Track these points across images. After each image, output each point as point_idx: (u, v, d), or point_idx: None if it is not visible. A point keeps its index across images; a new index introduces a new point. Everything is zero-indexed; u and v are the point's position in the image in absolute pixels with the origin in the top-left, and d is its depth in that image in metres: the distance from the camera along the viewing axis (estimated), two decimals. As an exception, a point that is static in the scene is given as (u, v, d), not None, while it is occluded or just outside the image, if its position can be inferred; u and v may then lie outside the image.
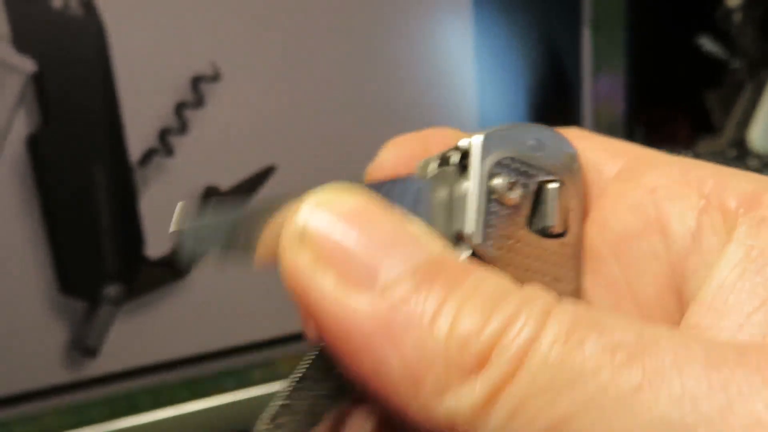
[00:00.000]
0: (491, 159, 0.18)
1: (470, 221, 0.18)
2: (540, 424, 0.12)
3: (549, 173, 0.19)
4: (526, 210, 0.19)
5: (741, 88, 0.74)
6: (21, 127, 0.50)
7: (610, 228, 0.18)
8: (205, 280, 0.57)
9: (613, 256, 0.18)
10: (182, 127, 0.53)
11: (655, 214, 0.17)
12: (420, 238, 0.15)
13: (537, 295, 0.13)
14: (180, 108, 0.53)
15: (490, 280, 0.14)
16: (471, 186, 0.18)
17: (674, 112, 0.88)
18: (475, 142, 0.19)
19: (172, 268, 0.56)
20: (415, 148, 0.20)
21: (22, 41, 0.49)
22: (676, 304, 0.16)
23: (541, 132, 0.19)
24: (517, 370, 0.12)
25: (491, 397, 0.12)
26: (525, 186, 0.19)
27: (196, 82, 0.53)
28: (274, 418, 0.17)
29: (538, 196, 0.19)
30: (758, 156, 0.65)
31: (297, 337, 0.61)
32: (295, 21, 0.56)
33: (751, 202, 0.15)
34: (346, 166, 0.59)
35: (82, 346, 0.55)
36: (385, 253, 0.14)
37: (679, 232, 0.16)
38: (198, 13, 0.53)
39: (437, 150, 0.20)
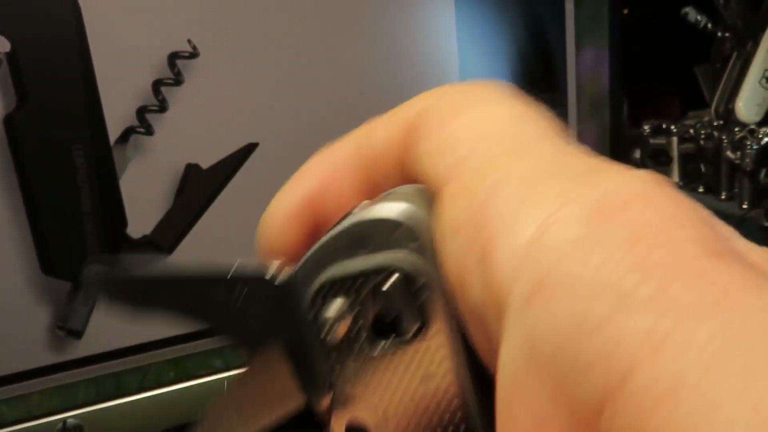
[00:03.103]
0: (311, 295, 0.16)
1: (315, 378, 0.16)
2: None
3: (379, 271, 0.15)
4: (366, 327, 0.15)
5: (728, 61, 0.74)
6: (-2, 107, 0.50)
7: None
8: (188, 258, 0.57)
9: None
10: (161, 105, 0.53)
11: (457, 281, 0.14)
12: None
13: None
14: (158, 85, 0.52)
15: None
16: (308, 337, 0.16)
17: (661, 86, 0.88)
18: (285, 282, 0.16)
19: (154, 247, 0.55)
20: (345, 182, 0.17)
21: (-5, 20, 0.48)
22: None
23: (357, 223, 0.15)
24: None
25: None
26: (353, 306, 0.15)
27: (173, 59, 0.52)
28: None
29: (375, 301, 0.15)
30: (743, 125, 0.65)
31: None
32: (273, -3, 0.55)
33: (525, 259, 0.12)
34: (328, 142, 0.59)
35: (67, 328, 0.54)
36: None
37: (471, 315, 0.14)
38: (174, -11, 0.52)
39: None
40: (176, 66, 0.53)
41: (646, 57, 0.86)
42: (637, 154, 0.73)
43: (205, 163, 0.56)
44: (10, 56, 0.49)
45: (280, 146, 0.57)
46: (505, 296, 0.12)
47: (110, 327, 0.56)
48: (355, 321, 0.15)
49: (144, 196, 0.54)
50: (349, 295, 0.15)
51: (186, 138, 0.55)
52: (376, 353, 0.15)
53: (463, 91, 0.16)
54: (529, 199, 0.12)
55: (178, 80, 0.53)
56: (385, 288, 0.15)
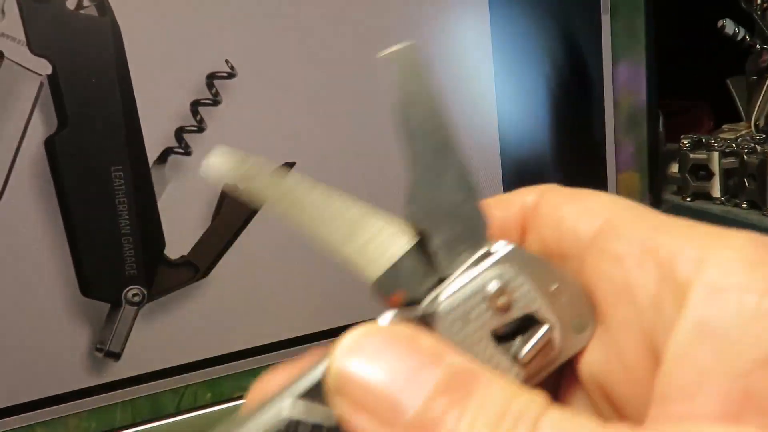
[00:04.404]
0: (506, 267, 0.19)
1: (447, 290, 0.19)
2: None
3: (546, 315, 0.19)
4: (499, 323, 0.19)
5: (764, 74, 0.73)
6: (38, 130, 0.50)
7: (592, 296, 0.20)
8: (226, 279, 0.56)
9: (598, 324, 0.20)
10: (199, 126, 0.53)
11: (623, 283, 0.18)
12: (431, 355, 0.17)
13: (531, 404, 0.16)
14: (196, 106, 0.52)
15: (495, 386, 0.16)
16: (475, 270, 0.19)
17: (697, 100, 0.86)
18: (505, 246, 0.19)
19: (192, 268, 0.55)
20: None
21: (37, 43, 0.48)
22: (655, 367, 0.18)
23: (566, 279, 0.19)
24: None
25: None
26: (515, 306, 0.19)
27: (211, 79, 0.52)
28: None
29: (524, 325, 0.19)
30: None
31: (318, 336, 0.60)
32: (308, 17, 0.55)
33: (699, 269, 0.17)
34: (365, 161, 0.59)
35: (105, 349, 0.54)
36: (404, 387, 0.16)
37: (645, 302, 0.18)
38: (211, 11, 0.52)
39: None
40: (214, 86, 0.53)
41: (679, 70, 0.85)
42: (675, 168, 0.71)
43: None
44: (52, 79, 0.49)
45: (317, 165, 0.57)
46: (686, 288, 0.16)
47: (147, 349, 0.56)
48: (502, 312, 0.19)
49: (182, 216, 0.54)
50: (520, 298, 0.19)
51: (223, 158, 0.55)
52: (482, 336, 0.19)
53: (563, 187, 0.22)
54: (688, 236, 0.18)
55: (216, 100, 0.53)
56: (541, 330, 0.19)
